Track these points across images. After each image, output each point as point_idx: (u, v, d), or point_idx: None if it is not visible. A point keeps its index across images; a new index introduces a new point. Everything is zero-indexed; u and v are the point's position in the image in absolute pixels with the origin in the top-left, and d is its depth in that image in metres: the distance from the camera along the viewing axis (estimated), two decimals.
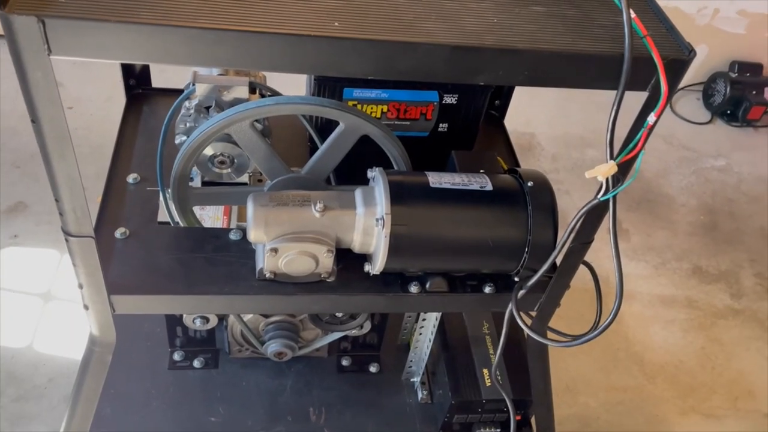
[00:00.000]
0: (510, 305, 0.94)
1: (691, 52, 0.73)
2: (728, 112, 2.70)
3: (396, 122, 1.12)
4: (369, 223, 0.90)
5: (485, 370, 1.29)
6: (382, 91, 1.08)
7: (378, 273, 0.94)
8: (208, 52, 0.66)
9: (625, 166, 0.78)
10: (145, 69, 1.20)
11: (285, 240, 0.89)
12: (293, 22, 0.67)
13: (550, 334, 1.03)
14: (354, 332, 1.30)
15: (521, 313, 0.95)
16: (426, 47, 0.68)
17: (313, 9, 0.69)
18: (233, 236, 0.99)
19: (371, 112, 1.10)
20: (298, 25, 0.67)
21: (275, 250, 0.90)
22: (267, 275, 0.93)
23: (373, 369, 1.41)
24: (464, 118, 1.14)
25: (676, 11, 2.57)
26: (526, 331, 0.92)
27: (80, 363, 0.99)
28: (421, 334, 1.31)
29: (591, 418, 1.63)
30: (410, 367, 1.38)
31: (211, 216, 1.13)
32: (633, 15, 0.70)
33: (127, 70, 1.18)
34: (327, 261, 0.92)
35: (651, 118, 0.72)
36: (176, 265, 0.95)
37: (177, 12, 0.65)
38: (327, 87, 1.06)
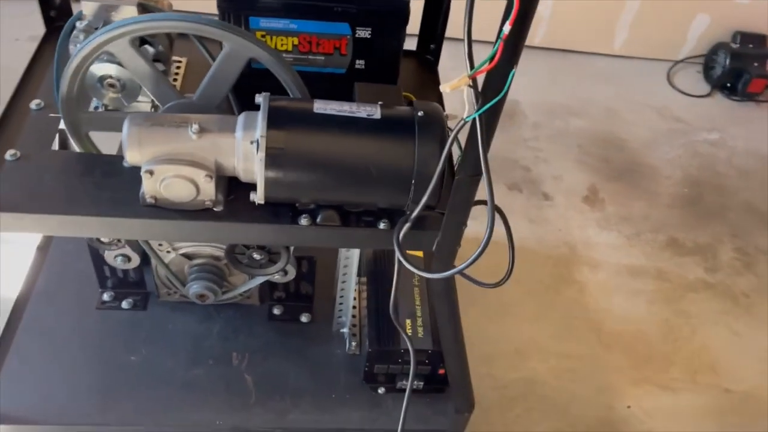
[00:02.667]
0: (393, 239, 0.90)
1: None
2: (728, 85, 2.59)
3: (310, 57, 1.09)
4: (249, 147, 0.88)
5: (408, 321, 1.26)
6: (290, 21, 1.05)
7: (262, 202, 0.91)
8: None
9: (493, 85, 0.74)
10: (66, 0, 1.19)
11: (160, 162, 0.87)
12: None
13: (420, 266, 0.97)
14: (278, 278, 1.28)
15: (409, 251, 0.92)
16: None
17: None
18: (127, 163, 0.98)
19: (282, 45, 1.07)
20: None
21: (150, 172, 0.88)
22: (148, 200, 0.91)
23: (304, 319, 1.38)
24: (381, 53, 1.10)
25: None
26: (403, 263, 0.88)
27: None
28: (344, 282, 1.29)
29: (537, 383, 1.59)
30: (339, 317, 1.36)
31: None
32: None
33: (46, 1, 1.17)
34: (208, 187, 0.90)
35: (506, 27, 0.68)
36: (61, 187, 0.94)
37: None
38: (231, 15, 1.03)
